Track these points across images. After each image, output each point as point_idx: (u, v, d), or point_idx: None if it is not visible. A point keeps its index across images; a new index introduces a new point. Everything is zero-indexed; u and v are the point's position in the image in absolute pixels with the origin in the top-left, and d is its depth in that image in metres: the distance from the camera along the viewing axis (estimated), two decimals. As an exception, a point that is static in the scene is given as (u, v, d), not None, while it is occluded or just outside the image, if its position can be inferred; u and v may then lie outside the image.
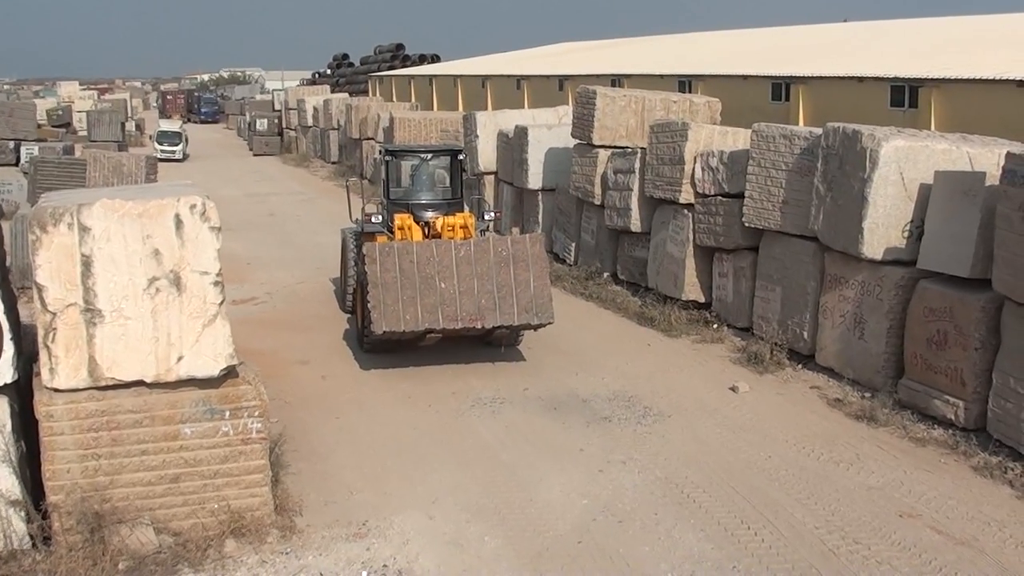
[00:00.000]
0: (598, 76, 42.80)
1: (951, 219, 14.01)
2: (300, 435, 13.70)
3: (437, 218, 18.58)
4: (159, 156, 55.47)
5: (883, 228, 14.96)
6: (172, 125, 67.94)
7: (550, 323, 16.45)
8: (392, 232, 18.56)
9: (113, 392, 10.15)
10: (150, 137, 62.25)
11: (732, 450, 13.38)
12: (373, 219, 19.25)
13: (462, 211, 19.14)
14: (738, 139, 19.78)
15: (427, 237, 18.13)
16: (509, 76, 55.57)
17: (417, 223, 18.55)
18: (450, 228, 18.05)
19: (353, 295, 19.35)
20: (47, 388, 10.01)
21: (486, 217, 19.93)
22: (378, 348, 17.25)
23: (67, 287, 9.89)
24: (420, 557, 10.56)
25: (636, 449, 13.42)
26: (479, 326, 16.04)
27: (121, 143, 55.34)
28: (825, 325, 16.35)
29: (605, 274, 23.35)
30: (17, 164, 46.83)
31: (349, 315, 19.97)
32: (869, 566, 10.27)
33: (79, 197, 10.56)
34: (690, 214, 19.84)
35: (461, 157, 20.31)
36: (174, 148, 60.43)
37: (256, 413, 10.64)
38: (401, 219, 18.48)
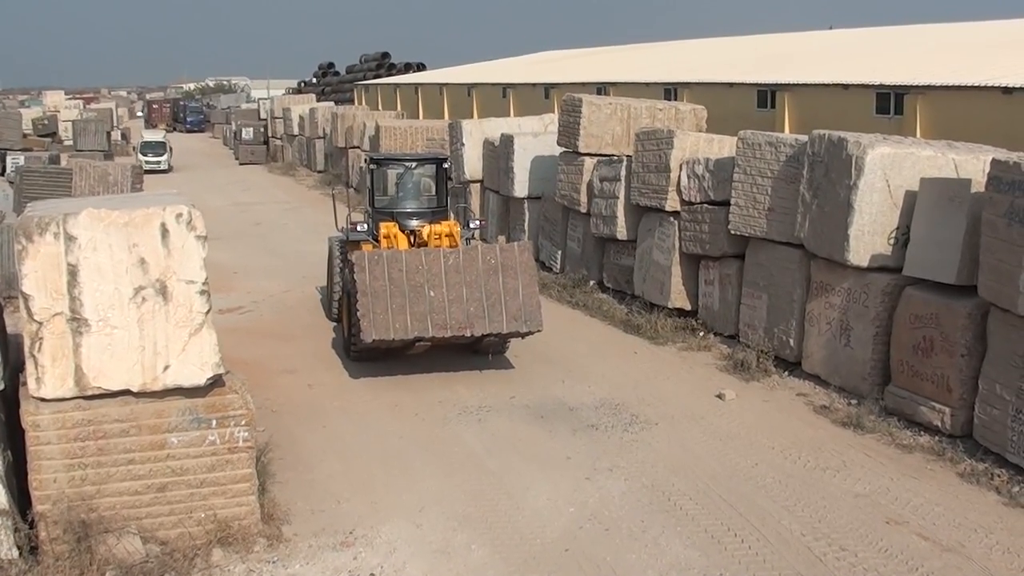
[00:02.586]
0: (584, 84, 42.89)
1: (937, 226, 14.05)
2: (287, 444, 13.68)
3: (422, 226, 18.57)
4: (143, 168, 55.15)
5: (869, 235, 15.00)
6: (155, 135, 66.62)
7: (539, 331, 16.47)
8: (377, 240, 18.56)
9: (100, 401, 10.13)
10: (133, 148, 61.41)
11: (719, 457, 13.40)
12: (359, 228, 19.27)
13: (447, 219, 19.14)
14: (724, 147, 19.81)
15: (413, 246, 18.13)
16: (495, 84, 55.64)
17: (402, 231, 18.54)
18: (437, 236, 18.05)
19: (339, 304, 19.34)
20: (33, 398, 9.99)
21: (471, 225, 19.95)
22: (365, 357, 17.23)
23: (53, 296, 9.87)
24: (407, 566, 10.55)
25: (623, 457, 13.43)
26: (468, 334, 16.04)
27: (107, 152, 55.25)
28: (811, 332, 16.38)
29: (591, 282, 23.36)
30: (3, 173, 46.80)
31: (336, 324, 19.94)
32: (856, 573, 10.29)
33: (65, 206, 10.55)
34: (676, 222, 19.86)
35: (446, 166, 20.28)
36: (159, 159, 59.60)
37: (243, 422, 10.63)
38: (387, 228, 18.47)
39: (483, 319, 16.00)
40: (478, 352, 17.43)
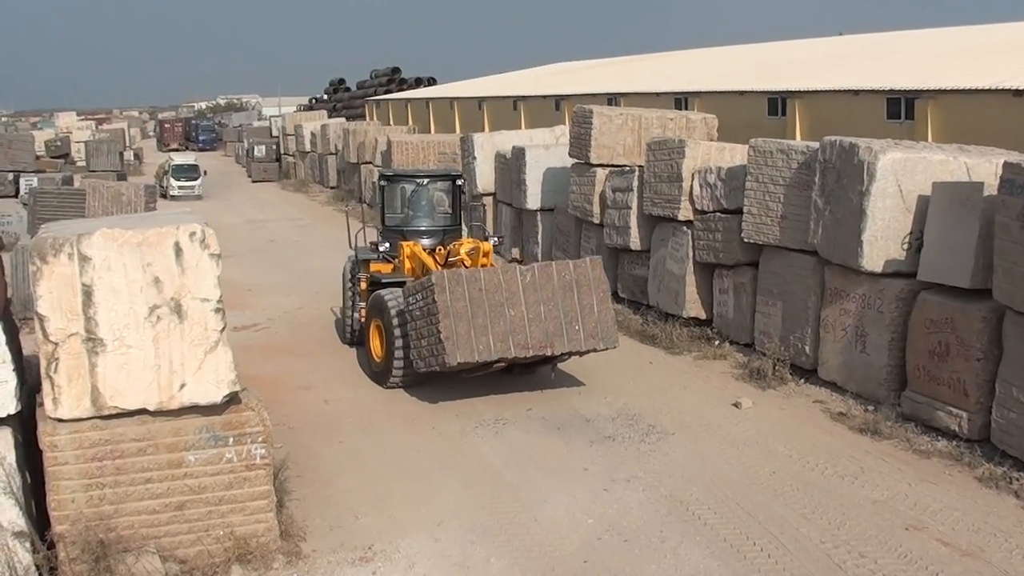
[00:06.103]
0: (594, 95, 42.89)
1: (950, 230, 14.03)
2: (304, 460, 13.69)
3: (457, 244, 17.95)
4: (176, 193, 52.82)
5: (882, 240, 14.98)
6: (187, 157, 60.23)
7: (614, 347, 16.17)
8: (398, 261, 18.39)
9: (116, 421, 10.14)
10: (165, 173, 56.37)
11: (736, 466, 13.37)
12: (380, 247, 18.95)
13: (460, 237, 18.93)
14: (735, 155, 19.80)
15: (440, 265, 17.70)
16: (506, 97, 55.67)
17: (423, 251, 18.28)
18: (484, 255, 17.52)
19: (359, 326, 18.85)
20: (50, 418, 10.00)
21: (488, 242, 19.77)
22: (413, 383, 16.75)
23: (68, 317, 9.89)
24: (426, 580, 10.56)
25: (640, 467, 13.41)
26: (549, 352, 15.63)
27: (120, 172, 55.46)
28: (827, 339, 16.35)
29: (606, 293, 23.31)
30: (16, 195, 47.05)
31: (351, 347, 19.64)
32: (876, 579, 10.27)
33: (79, 227, 10.57)
34: (689, 231, 19.86)
35: (459, 182, 19.94)
36: (192, 183, 54.90)
37: (260, 439, 10.63)
38: (409, 247, 18.24)
39: (562, 337, 15.58)
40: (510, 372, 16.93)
